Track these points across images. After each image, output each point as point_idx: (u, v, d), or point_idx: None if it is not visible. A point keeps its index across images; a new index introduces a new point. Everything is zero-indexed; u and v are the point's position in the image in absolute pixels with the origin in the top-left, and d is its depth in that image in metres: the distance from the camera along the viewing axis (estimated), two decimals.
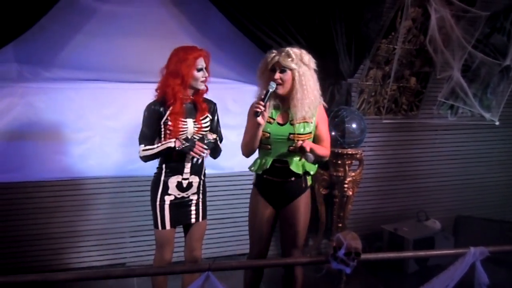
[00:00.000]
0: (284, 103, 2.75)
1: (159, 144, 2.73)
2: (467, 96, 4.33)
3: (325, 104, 2.85)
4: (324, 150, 2.77)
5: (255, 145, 2.73)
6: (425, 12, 4.11)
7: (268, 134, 2.71)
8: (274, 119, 2.74)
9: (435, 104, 4.57)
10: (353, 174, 3.91)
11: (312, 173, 2.82)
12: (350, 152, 3.80)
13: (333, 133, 3.76)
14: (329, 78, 3.91)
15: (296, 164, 2.73)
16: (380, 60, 4.24)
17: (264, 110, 2.57)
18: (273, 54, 2.69)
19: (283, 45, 3.53)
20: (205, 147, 2.74)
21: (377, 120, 4.46)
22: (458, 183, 4.97)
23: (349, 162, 3.87)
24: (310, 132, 2.74)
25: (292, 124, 2.70)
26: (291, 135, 2.69)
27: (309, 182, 2.85)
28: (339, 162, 3.84)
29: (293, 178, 2.77)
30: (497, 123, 4.52)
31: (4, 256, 3.69)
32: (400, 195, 4.78)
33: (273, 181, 2.80)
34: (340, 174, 3.86)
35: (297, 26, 3.71)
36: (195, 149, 2.70)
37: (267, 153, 2.78)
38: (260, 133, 2.68)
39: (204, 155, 2.76)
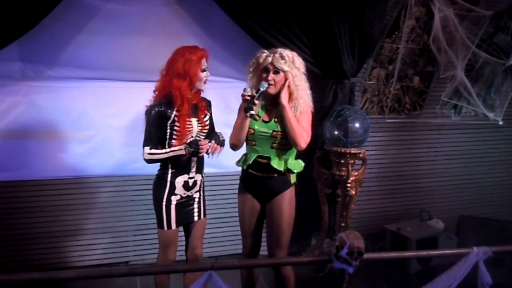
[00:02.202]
0: (271, 102, 2.82)
1: (168, 150, 2.71)
2: (471, 96, 4.32)
3: (312, 108, 2.87)
4: (301, 128, 2.72)
5: (241, 137, 2.80)
6: (428, 11, 4.10)
7: (253, 131, 2.80)
8: (259, 117, 2.81)
9: (438, 104, 4.56)
10: (356, 173, 3.90)
11: (296, 171, 2.86)
12: (353, 152, 3.79)
13: (336, 133, 3.76)
14: (332, 77, 3.91)
15: (278, 161, 2.79)
16: (383, 59, 4.23)
17: (254, 105, 2.65)
18: (265, 54, 2.76)
19: (286, 44, 3.55)
20: (209, 143, 2.77)
21: (380, 119, 4.45)
22: (461, 182, 4.96)
23: (352, 161, 3.86)
24: None
25: (276, 122, 2.77)
26: (274, 133, 2.76)
27: (292, 180, 2.87)
28: (342, 161, 3.83)
29: (275, 174, 2.81)
30: (500, 122, 4.51)
31: (7, 254, 3.70)
32: (403, 194, 4.77)
33: (257, 176, 2.86)
34: (343, 173, 3.85)
35: (301, 25, 3.70)
36: (201, 150, 2.72)
37: (252, 149, 2.86)
38: (247, 125, 2.77)
39: (218, 151, 2.84)
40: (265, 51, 2.78)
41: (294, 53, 2.80)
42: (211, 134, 2.89)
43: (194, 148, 2.70)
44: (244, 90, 2.68)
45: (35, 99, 3.53)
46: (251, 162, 2.83)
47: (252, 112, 2.63)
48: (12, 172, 3.56)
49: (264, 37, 3.61)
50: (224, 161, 3.79)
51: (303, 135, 2.72)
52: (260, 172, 2.83)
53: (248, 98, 2.64)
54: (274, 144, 2.77)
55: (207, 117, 2.89)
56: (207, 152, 2.81)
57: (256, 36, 3.63)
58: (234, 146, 2.86)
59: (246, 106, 2.63)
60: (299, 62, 2.77)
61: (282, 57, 2.71)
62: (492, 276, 2.29)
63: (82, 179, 3.79)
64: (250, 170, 2.87)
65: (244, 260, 3.06)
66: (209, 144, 2.78)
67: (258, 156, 2.82)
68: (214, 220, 4.04)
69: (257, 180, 2.87)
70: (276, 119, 2.78)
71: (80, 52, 3.50)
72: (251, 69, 2.82)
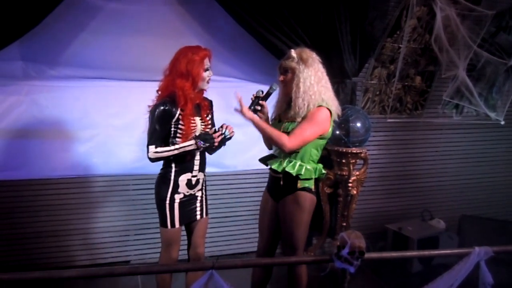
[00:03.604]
0: (287, 103, 2.82)
1: (177, 147, 2.71)
2: (472, 96, 4.31)
3: (328, 107, 2.71)
4: (278, 134, 2.67)
5: (263, 137, 2.85)
6: (430, 11, 4.10)
7: None
8: (280, 115, 2.84)
9: (440, 103, 4.55)
10: (357, 173, 3.90)
11: (301, 176, 2.73)
12: (354, 151, 3.79)
13: (337, 132, 3.76)
14: (334, 76, 3.89)
15: (279, 163, 2.76)
16: (385, 59, 4.23)
17: (262, 106, 2.76)
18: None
19: (288, 44, 3.56)
20: (222, 131, 2.77)
21: (382, 119, 4.45)
22: (462, 182, 4.96)
23: (354, 161, 3.86)
24: None
25: (286, 123, 2.77)
26: None
27: (299, 185, 2.75)
28: (344, 161, 3.83)
29: (280, 175, 2.78)
30: (502, 122, 4.50)
31: (9, 253, 3.71)
32: (405, 194, 4.77)
33: (271, 175, 2.90)
34: (344, 173, 3.86)
35: (302, 25, 3.70)
36: (215, 143, 2.74)
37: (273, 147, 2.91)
38: (262, 125, 2.80)
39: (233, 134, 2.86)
40: None
41: (305, 49, 2.76)
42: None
43: (210, 143, 2.71)
44: (257, 92, 2.77)
45: (37, 99, 3.53)
46: (265, 158, 2.86)
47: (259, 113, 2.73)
48: (14, 171, 3.56)
49: (266, 36, 3.61)
50: (225, 161, 3.81)
51: (281, 139, 2.64)
52: (272, 172, 2.85)
53: (252, 99, 2.73)
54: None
55: (209, 116, 2.91)
56: (223, 140, 2.79)
57: (258, 35, 3.63)
58: (265, 144, 2.97)
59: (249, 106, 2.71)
60: (306, 56, 2.69)
61: (290, 56, 2.72)
62: (493, 276, 2.29)
63: (84, 178, 3.79)
64: (269, 169, 2.90)
65: (246, 259, 3.06)
66: (222, 131, 2.77)
67: (272, 155, 2.86)
68: (216, 220, 4.04)
69: (271, 179, 2.90)
70: (286, 120, 2.77)
71: (82, 51, 3.50)
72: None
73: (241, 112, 2.64)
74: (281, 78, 2.74)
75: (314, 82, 2.69)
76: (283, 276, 3.02)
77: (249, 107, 2.70)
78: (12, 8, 3.03)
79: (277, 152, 2.82)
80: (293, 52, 2.72)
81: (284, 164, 2.74)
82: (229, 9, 3.53)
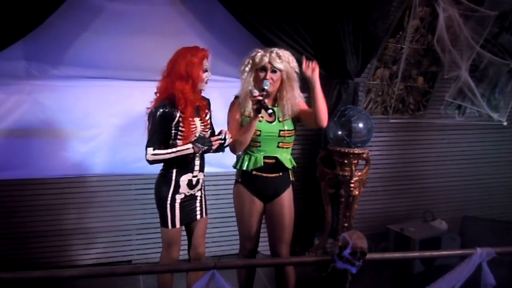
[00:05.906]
0: (270, 101, 2.85)
1: (174, 150, 2.70)
2: (475, 96, 4.31)
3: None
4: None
5: (249, 138, 2.77)
6: (433, 11, 4.09)
7: (259, 132, 2.80)
8: (262, 117, 2.79)
9: (442, 104, 4.55)
10: (359, 173, 3.89)
11: (293, 168, 2.96)
12: (356, 152, 3.78)
13: (339, 132, 3.76)
14: (336, 77, 3.91)
15: (286, 159, 2.86)
16: (387, 59, 4.23)
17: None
18: (261, 54, 2.78)
19: (290, 44, 3.56)
20: (221, 137, 2.74)
21: (384, 119, 4.45)
22: (465, 183, 4.94)
23: (356, 161, 3.85)
24: (294, 129, 2.88)
25: (280, 121, 2.83)
26: (281, 132, 2.82)
27: (291, 177, 2.96)
28: (346, 161, 3.82)
29: (280, 173, 2.88)
30: (505, 123, 4.50)
31: (11, 252, 3.71)
32: (407, 195, 4.76)
33: (262, 177, 2.87)
34: (346, 173, 3.85)
35: (305, 25, 3.70)
36: (213, 147, 2.73)
37: (256, 150, 2.85)
38: (255, 126, 2.76)
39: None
40: (260, 50, 2.81)
41: (289, 53, 2.85)
42: (211, 133, 2.90)
43: (208, 146, 2.71)
44: (251, 91, 2.69)
45: (39, 98, 3.54)
46: (261, 163, 2.82)
47: (271, 110, 2.62)
48: (16, 170, 3.57)
49: (268, 36, 3.61)
50: (227, 161, 3.79)
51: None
52: (265, 172, 2.85)
53: (261, 98, 2.61)
54: (281, 143, 2.83)
55: (208, 116, 2.90)
56: (223, 144, 2.77)
57: (260, 35, 3.63)
58: (240, 148, 2.82)
59: (260, 106, 2.60)
60: (294, 62, 2.81)
61: (279, 57, 2.75)
62: (495, 277, 2.29)
63: (86, 177, 3.79)
64: (254, 172, 2.87)
65: (247, 259, 3.06)
66: (220, 136, 2.75)
67: (264, 157, 2.84)
68: (218, 220, 4.04)
69: (262, 180, 2.88)
70: (280, 119, 2.81)
71: (84, 51, 3.51)
72: (246, 69, 2.81)
73: (311, 74, 2.70)
74: (269, 76, 2.75)
75: (297, 86, 2.85)
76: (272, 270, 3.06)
77: (262, 107, 2.60)
78: (15, 8, 3.04)
79: (274, 151, 2.85)
80: (281, 54, 2.77)
81: (289, 160, 2.89)
82: (231, 9, 3.53)
